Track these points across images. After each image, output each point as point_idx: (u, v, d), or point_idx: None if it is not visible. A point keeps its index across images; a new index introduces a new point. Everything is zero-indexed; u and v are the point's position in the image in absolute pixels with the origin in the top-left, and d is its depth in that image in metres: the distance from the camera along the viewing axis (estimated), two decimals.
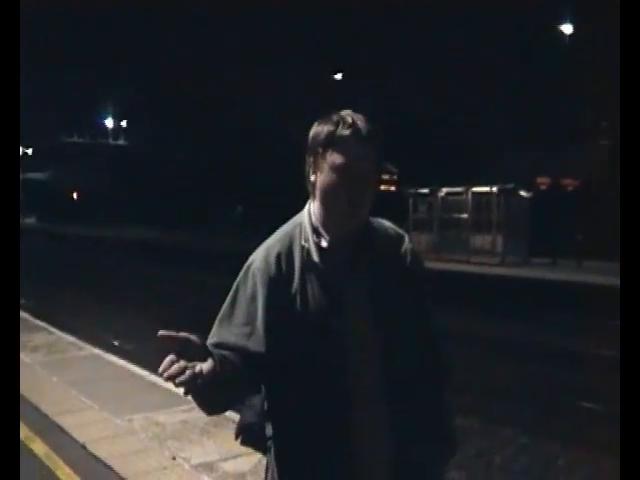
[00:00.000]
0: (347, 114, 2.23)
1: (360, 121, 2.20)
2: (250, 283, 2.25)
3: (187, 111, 55.92)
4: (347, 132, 2.17)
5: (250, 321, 2.22)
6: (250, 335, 2.21)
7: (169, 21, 55.13)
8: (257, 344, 2.19)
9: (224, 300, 2.33)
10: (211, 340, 2.24)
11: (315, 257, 2.22)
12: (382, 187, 45.68)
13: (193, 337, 1.94)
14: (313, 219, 2.28)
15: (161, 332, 1.88)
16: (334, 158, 2.18)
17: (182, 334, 1.91)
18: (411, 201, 29.11)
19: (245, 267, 2.30)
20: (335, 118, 2.22)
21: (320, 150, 2.22)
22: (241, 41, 49.85)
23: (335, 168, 2.17)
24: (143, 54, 59.59)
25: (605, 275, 20.20)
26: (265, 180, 47.58)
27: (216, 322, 2.30)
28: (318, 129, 2.23)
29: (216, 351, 2.07)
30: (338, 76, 47.19)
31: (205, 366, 1.90)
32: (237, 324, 2.24)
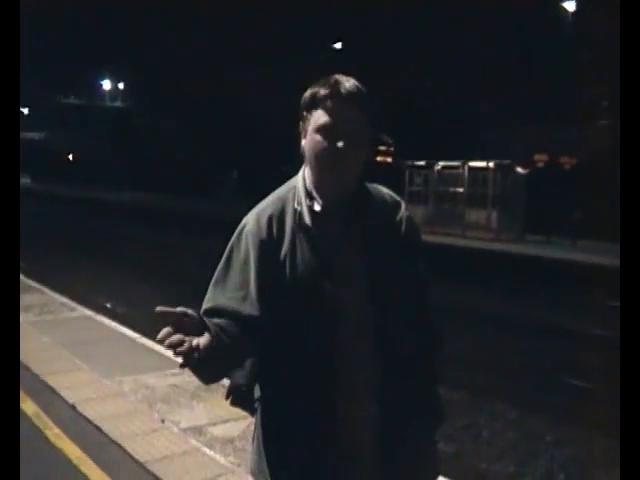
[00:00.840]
0: (335, 76, 2.21)
1: (345, 83, 2.18)
2: (243, 246, 2.24)
3: (185, 75, 55.64)
4: (327, 91, 2.16)
5: (244, 285, 2.21)
6: (244, 299, 2.19)
7: None
8: (250, 308, 2.18)
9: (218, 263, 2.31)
10: (206, 305, 2.23)
11: (307, 220, 2.21)
12: (378, 158, 45.72)
13: (190, 311, 1.92)
14: (307, 182, 2.26)
15: (158, 308, 1.85)
16: (316, 118, 2.18)
17: (179, 309, 1.89)
18: (407, 173, 29.05)
19: (238, 230, 2.29)
20: (321, 81, 2.21)
21: (305, 113, 2.23)
22: (236, 8, 49.46)
23: (317, 128, 2.17)
24: (141, 18, 59.16)
25: (599, 255, 20.27)
26: (262, 146, 47.47)
27: (210, 286, 2.28)
28: (305, 94, 2.24)
29: (213, 320, 2.05)
30: (338, 45, 46.93)
31: (202, 340, 1.89)
32: (231, 288, 2.22)
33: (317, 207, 2.21)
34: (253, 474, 2.39)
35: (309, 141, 2.20)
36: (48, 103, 76.84)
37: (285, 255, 2.19)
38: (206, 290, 2.28)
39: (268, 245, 2.20)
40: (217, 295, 2.24)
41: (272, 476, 2.28)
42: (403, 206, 2.36)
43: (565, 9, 33.18)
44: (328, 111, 2.15)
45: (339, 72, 2.27)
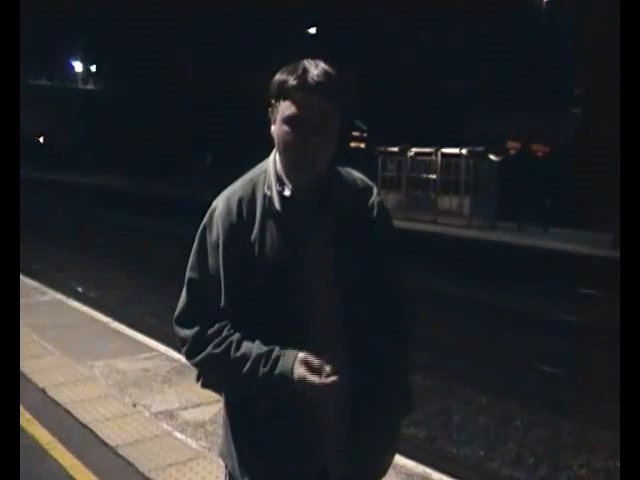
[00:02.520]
0: (303, 63, 2.17)
1: (313, 71, 2.14)
2: (214, 230, 2.24)
3: (156, 58, 55.30)
4: (294, 82, 2.12)
5: (216, 268, 2.21)
6: (217, 282, 2.20)
7: None
8: (222, 292, 2.19)
9: (191, 246, 2.31)
10: (186, 289, 2.27)
11: (277, 205, 2.20)
12: (352, 144, 45.70)
13: None
14: (277, 167, 2.25)
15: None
16: (283, 109, 2.15)
17: None
18: (380, 159, 29.07)
19: (209, 213, 2.29)
20: (290, 68, 2.17)
21: (273, 101, 2.21)
22: None
23: (285, 119, 2.15)
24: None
25: (570, 242, 20.46)
26: (235, 130, 47.27)
27: (187, 271, 2.29)
28: (273, 80, 2.20)
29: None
30: (312, 30, 46.81)
31: None
32: (207, 274, 2.23)
33: (287, 192, 2.20)
34: (222, 457, 2.40)
35: (278, 130, 2.18)
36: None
37: (254, 239, 2.19)
38: (181, 274, 2.29)
39: (238, 228, 2.20)
40: (195, 280, 2.26)
41: (240, 459, 2.29)
42: (375, 191, 2.35)
43: None
44: (296, 102, 2.13)
45: (311, 56, 2.25)
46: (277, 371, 2.09)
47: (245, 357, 2.13)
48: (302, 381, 2.06)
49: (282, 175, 2.23)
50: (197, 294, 2.25)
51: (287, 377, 2.08)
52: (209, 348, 2.18)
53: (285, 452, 2.21)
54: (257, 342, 2.15)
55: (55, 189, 45.16)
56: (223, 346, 2.16)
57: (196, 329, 2.22)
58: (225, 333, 2.18)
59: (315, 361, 2.07)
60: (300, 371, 2.07)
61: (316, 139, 2.13)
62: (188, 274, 2.29)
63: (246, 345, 2.15)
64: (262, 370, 2.11)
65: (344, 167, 2.36)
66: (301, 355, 2.09)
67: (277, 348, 2.12)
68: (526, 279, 16.17)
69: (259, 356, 2.12)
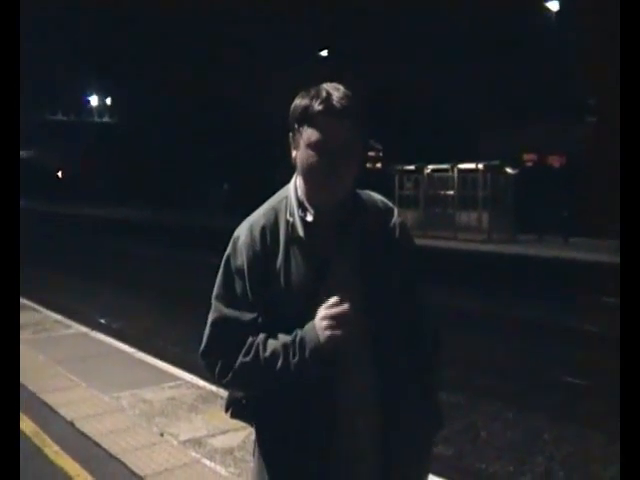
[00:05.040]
0: (325, 87, 2.18)
1: (336, 95, 2.15)
2: (239, 259, 2.24)
3: (171, 89, 55.67)
4: (320, 107, 2.13)
5: (244, 297, 2.22)
6: (245, 308, 2.21)
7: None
8: (251, 316, 2.20)
9: (214, 277, 2.32)
10: (212, 317, 2.27)
11: (300, 231, 2.21)
12: (367, 164, 45.75)
13: None
14: (299, 192, 2.26)
15: None
16: (308, 134, 2.16)
17: None
18: (397, 178, 29.12)
19: (232, 242, 2.29)
20: (312, 92, 2.18)
21: (296, 126, 2.20)
22: (227, 20, 49.51)
23: (310, 145, 2.15)
24: (127, 32, 59.22)
25: (591, 252, 20.34)
26: (253, 157, 47.46)
27: (213, 300, 2.30)
28: (295, 105, 2.21)
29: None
30: (324, 53, 47.03)
31: None
32: (233, 301, 2.24)
33: (309, 217, 2.21)
34: None
35: (302, 156, 2.19)
36: (35, 120, 76.73)
37: (279, 266, 2.20)
38: (200, 302, 2.31)
39: (262, 256, 2.21)
40: (221, 308, 2.25)
41: None
42: (396, 212, 2.36)
43: (548, 8, 33.32)
44: (321, 128, 2.14)
45: (328, 79, 2.26)
46: (307, 350, 2.12)
47: (275, 353, 2.14)
48: (328, 334, 2.10)
49: (304, 200, 2.24)
50: (224, 323, 2.24)
51: (317, 347, 2.10)
52: (240, 359, 2.18)
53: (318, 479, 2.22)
54: (280, 335, 2.17)
55: (73, 222, 45.40)
56: (252, 352, 2.16)
57: (224, 352, 2.21)
58: (250, 340, 2.18)
59: (330, 302, 2.11)
60: (322, 324, 2.10)
61: (342, 163, 2.14)
62: (214, 304, 2.29)
63: (271, 342, 2.16)
64: (293, 360, 2.12)
65: (364, 190, 2.38)
66: (318, 315, 2.12)
67: (298, 331, 2.15)
68: (549, 291, 16.08)
69: (286, 347, 2.13)
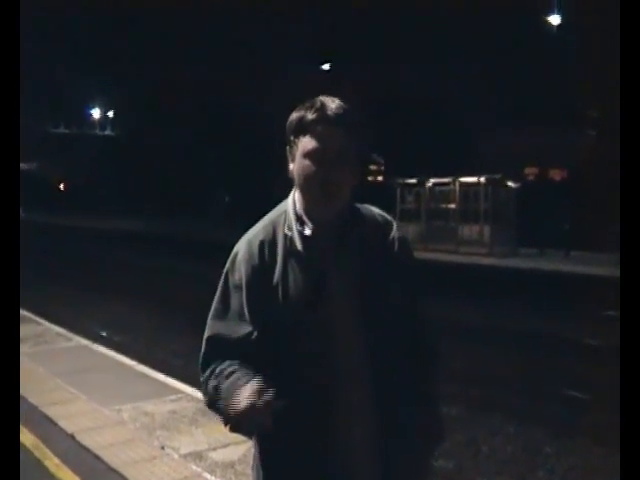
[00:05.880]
0: (320, 99, 2.21)
1: (330, 105, 2.17)
2: (237, 274, 2.26)
3: (173, 102, 55.71)
4: (314, 116, 2.16)
5: (240, 311, 2.23)
6: (240, 324, 2.22)
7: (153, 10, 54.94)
8: (246, 332, 2.21)
9: (214, 291, 2.33)
10: (207, 333, 2.29)
11: (298, 246, 2.21)
12: (369, 178, 45.80)
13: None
14: (297, 207, 2.27)
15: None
16: (303, 144, 2.18)
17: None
18: (398, 191, 29.15)
19: (231, 257, 2.31)
20: (307, 104, 2.20)
21: (292, 138, 2.22)
22: (225, 28, 49.63)
23: (305, 154, 2.17)
24: (128, 44, 59.38)
25: (593, 265, 20.31)
26: (253, 170, 47.50)
27: (210, 315, 2.31)
28: (290, 118, 2.23)
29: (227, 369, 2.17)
30: (326, 66, 47.09)
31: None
32: (227, 315, 2.25)
33: (307, 231, 2.22)
34: None
35: (298, 166, 2.20)
36: (37, 133, 76.90)
37: (277, 280, 2.20)
38: (201, 314, 2.32)
39: (260, 271, 2.22)
40: (217, 324, 2.27)
41: None
42: (394, 226, 2.36)
43: (550, 22, 33.42)
44: (316, 136, 2.15)
45: (326, 92, 2.28)
46: (231, 412, 2.09)
47: (227, 391, 2.13)
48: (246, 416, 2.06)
49: (302, 214, 2.25)
50: (219, 338, 2.25)
51: (237, 418, 2.08)
52: (210, 382, 2.20)
53: None
54: (244, 370, 2.14)
55: (75, 234, 45.41)
56: (217, 378, 2.18)
57: (211, 369, 2.23)
58: (227, 365, 2.18)
59: (255, 388, 2.05)
60: (243, 405, 2.05)
61: (336, 171, 2.15)
62: (209, 320, 2.31)
63: (236, 375, 2.14)
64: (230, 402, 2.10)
65: (363, 203, 2.38)
66: (243, 394, 2.06)
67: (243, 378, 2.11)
68: (550, 304, 16.07)
69: (232, 386, 2.12)
